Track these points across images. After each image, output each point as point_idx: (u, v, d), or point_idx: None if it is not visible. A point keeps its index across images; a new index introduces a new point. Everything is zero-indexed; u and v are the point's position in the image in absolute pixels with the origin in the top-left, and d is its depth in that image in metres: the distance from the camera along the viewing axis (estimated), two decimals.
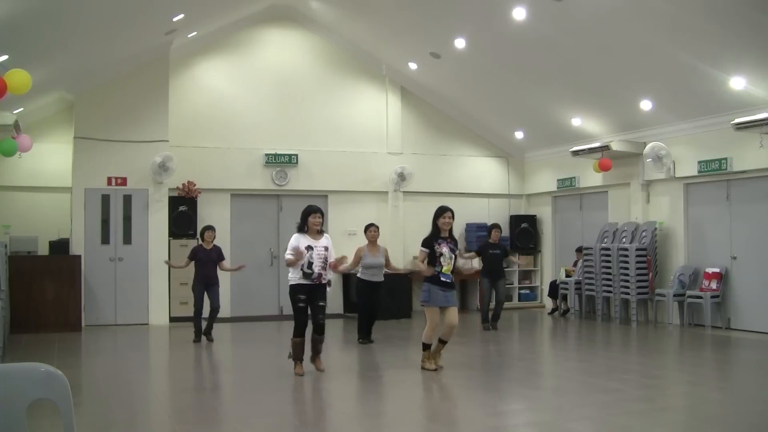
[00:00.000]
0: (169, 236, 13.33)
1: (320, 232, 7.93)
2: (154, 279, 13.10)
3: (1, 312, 9.26)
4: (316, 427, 6.09)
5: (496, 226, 12.47)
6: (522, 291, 16.00)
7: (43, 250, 12.54)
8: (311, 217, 7.87)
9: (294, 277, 7.90)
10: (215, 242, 10.96)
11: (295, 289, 7.89)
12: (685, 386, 7.67)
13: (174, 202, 13.49)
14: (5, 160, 12.38)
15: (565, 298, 14.36)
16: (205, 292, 10.79)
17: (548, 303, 15.32)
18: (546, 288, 15.60)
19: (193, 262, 10.85)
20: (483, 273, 12.14)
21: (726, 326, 11.69)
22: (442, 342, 8.12)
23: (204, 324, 10.86)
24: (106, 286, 12.88)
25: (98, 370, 8.78)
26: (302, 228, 7.93)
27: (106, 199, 13.00)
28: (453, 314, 7.94)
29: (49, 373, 2.97)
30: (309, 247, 7.77)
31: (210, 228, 11.06)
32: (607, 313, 13.54)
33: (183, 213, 13.52)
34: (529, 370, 8.75)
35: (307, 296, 7.85)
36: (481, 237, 14.26)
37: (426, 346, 8.11)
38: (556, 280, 14.76)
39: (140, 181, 13.14)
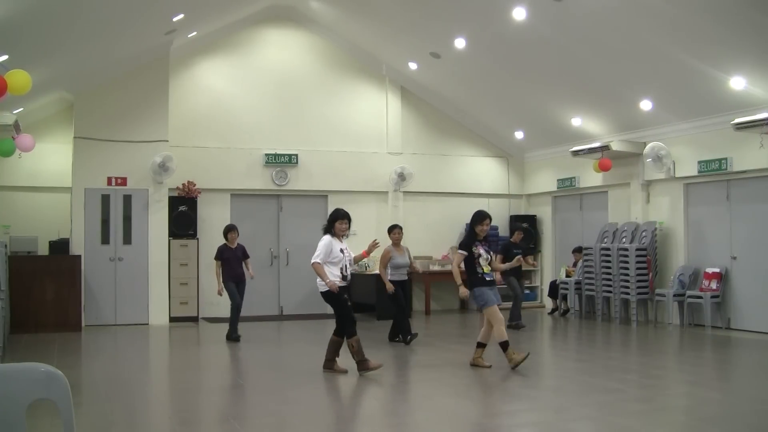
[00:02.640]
0: (169, 236, 13.34)
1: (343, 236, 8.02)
2: (154, 279, 13.11)
3: (1, 312, 9.27)
4: (317, 427, 6.09)
5: (518, 228, 12.77)
6: None
7: (43, 250, 12.53)
8: (338, 223, 7.92)
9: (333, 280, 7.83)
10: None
11: (339, 292, 7.83)
12: (685, 386, 7.67)
13: (174, 202, 13.49)
14: (5, 160, 12.38)
15: (565, 298, 14.36)
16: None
17: (548, 303, 15.33)
18: (546, 288, 15.59)
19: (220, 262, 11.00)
20: (509, 273, 12.24)
21: (726, 326, 11.69)
22: (481, 346, 8.25)
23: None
24: (106, 286, 12.88)
25: (98, 370, 8.77)
26: (329, 230, 7.95)
27: (106, 199, 13.00)
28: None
29: (49, 373, 2.98)
30: (342, 251, 7.89)
31: (233, 228, 11.19)
32: (607, 313, 13.54)
33: (183, 213, 13.53)
34: (530, 370, 8.74)
35: None
36: None
37: (506, 344, 8.08)
38: (556, 280, 14.76)
39: (140, 181, 13.14)
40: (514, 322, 12.08)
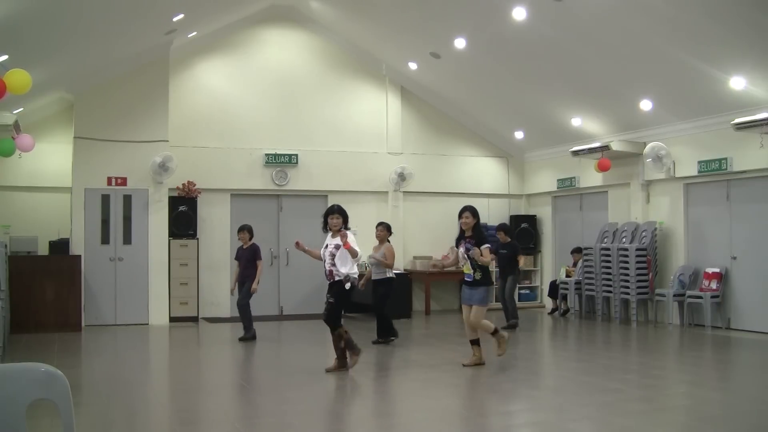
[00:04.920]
0: (169, 236, 13.33)
1: (340, 230, 8.08)
2: (154, 279, 13.10)
3: (1, 312, 9.27)
4: (317, 427, 6.09)
5: (500, 226, 12.72)
6: (522, 291, 15.94)
7: (43, 250, 12.53)
8: (329, 218, 8.18)
9: None
10: (254, 241, 11.12)
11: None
12: (684, 386, 7.67)
13: (174, 202, 13.49)
14: (5, 160, 12.38)
15: (565, 298, 14.36)
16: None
17: (548, 303, 15.32)
18: (546, 288, 15.59)
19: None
20: (497, 273, 12.43)
21: (726, 326, 11.69)
22: (471, 342, 8.40)
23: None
24: (106, 286, 12.88)
25: (98, 370, 8.78)
26: (324, 227, 8.28)
27: (106, 199, 12.99)
28: (471, 313, 8.28)
29: (49, 373, 2.98)
30: (326, 246, 8.12)
31: (241, 228, 11.21)
32: (607, 313, 13.54)
33: (183, 213, 13.52)
34: (530, 370, 8.75)
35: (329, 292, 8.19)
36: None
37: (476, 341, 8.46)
38: (556, 280, 14.76)
39: (140, 181, 13.14)
40: (510, 322, 12.10)
